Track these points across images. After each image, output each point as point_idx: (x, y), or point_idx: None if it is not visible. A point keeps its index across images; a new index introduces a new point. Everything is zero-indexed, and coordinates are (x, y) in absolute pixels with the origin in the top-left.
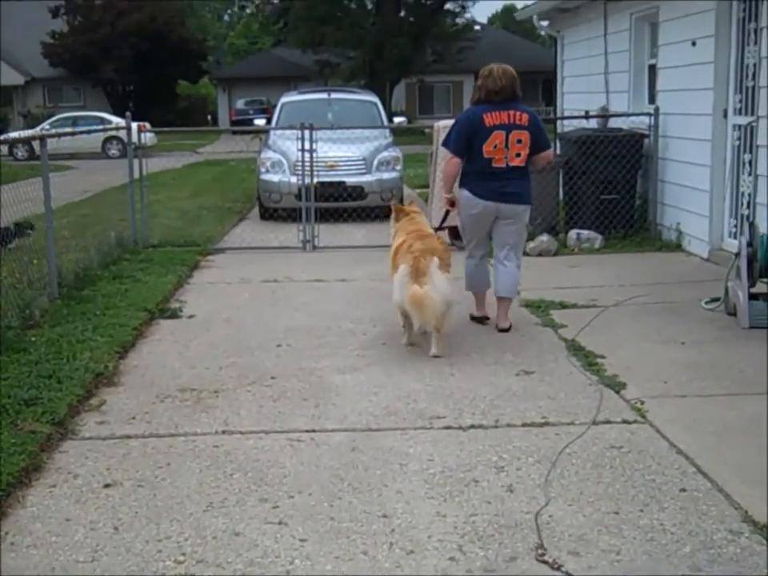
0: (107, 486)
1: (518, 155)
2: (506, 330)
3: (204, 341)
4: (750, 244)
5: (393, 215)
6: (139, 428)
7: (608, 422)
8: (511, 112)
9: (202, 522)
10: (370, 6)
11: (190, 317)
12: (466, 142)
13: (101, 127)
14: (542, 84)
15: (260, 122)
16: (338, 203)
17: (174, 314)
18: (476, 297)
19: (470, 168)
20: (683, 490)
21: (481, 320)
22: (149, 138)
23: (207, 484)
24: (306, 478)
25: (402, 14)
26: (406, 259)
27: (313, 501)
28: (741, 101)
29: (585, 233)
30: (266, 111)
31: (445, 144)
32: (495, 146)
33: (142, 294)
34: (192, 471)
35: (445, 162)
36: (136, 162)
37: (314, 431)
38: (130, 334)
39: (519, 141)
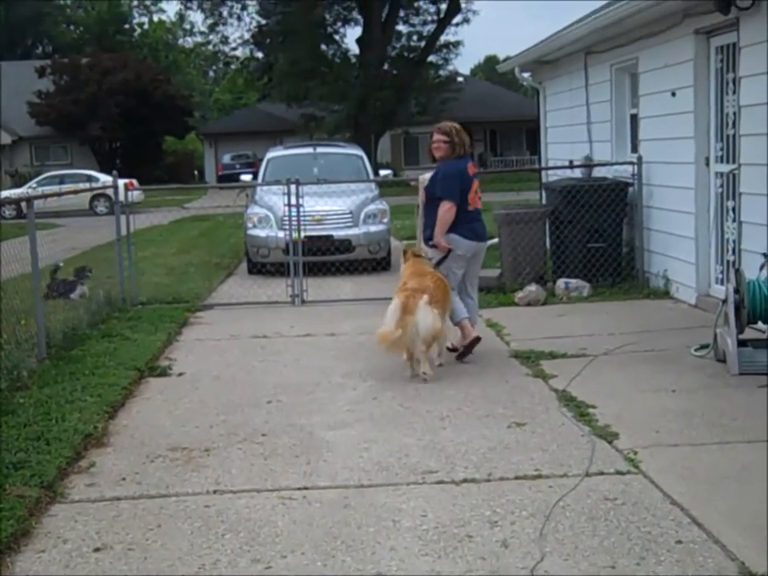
0: (97, 549)
1: (480, 198)
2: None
3: (194, 399)
4: (737, 290)
5: (402, 257)
6: (129, 489)
7: (601, 473)
8: (470, 163)
9: None
10: (353, 60)
11: (180, 374)
12: (459, 190)
13: (87, 187)
14: (526, 133)
15: (246, 177)
16: (325, 257)
17: (164, 372)
18: (465, 325)
19: (456, 214)
20: (679, 541)
21: (474, 343)
22: (136, 195)
23: (199, 545)
24: (298, 537)
25: (386, 67)
26: (398, 295)
27: (306, 560)
28: (722, 149)
29: (573, 281)
30: (253, 165)
31: (445, 194)
32: (474, 193)
33: (131, 352)
34: (183, 533)
35: (445, 211)
36: (123, 219)
37: (305, 489)
38: (120, 393)
39: (479, 187)
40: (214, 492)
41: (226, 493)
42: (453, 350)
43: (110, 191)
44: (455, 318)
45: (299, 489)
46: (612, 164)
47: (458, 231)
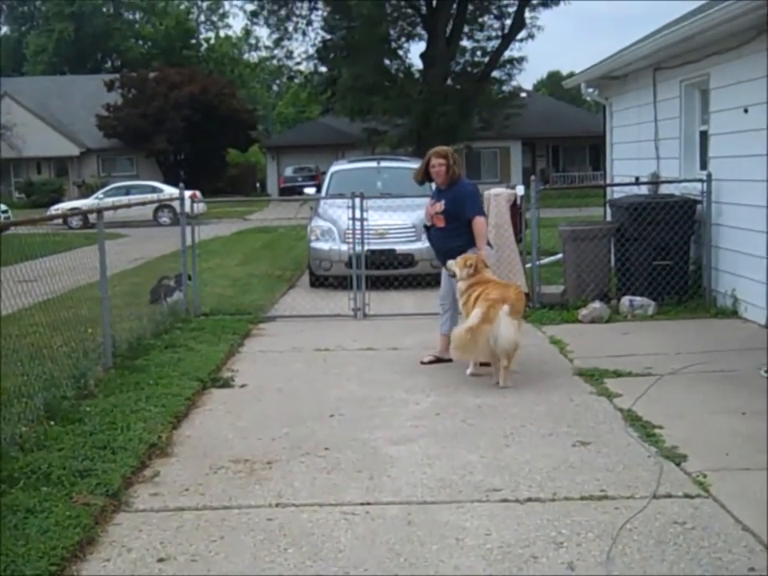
0: (161, 560)
1: None
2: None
3: (256, 410)
4: None
5: (465, 269)
6: (192, 500)
7: (669, 495)
8: None
9: None
10: (417, 75)
11: (242, 386)
12: None
13: (154, 198)
14: (589, 149)
15: (309, 190)
16: (388, 271)
17: (226, 384)
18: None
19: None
20: (752, 569)
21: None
22: (200, 206)
23: (261, 559)
24: (361, 554)
25: (449, 82)
26: (481, 305)
27: None
28: None
29: (637, 299)
30: (315, 178)
31: (482, 212)
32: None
33: (195, 363)
34: (246, 545)
35: (482, 224)
36: (188, 230)
37: (368, 504)
38: (183, 403)
39: None
40: (277, 505)
41: (289, 506)
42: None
43: (175, 203)
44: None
45: (362, 504)
46: (680, 181)
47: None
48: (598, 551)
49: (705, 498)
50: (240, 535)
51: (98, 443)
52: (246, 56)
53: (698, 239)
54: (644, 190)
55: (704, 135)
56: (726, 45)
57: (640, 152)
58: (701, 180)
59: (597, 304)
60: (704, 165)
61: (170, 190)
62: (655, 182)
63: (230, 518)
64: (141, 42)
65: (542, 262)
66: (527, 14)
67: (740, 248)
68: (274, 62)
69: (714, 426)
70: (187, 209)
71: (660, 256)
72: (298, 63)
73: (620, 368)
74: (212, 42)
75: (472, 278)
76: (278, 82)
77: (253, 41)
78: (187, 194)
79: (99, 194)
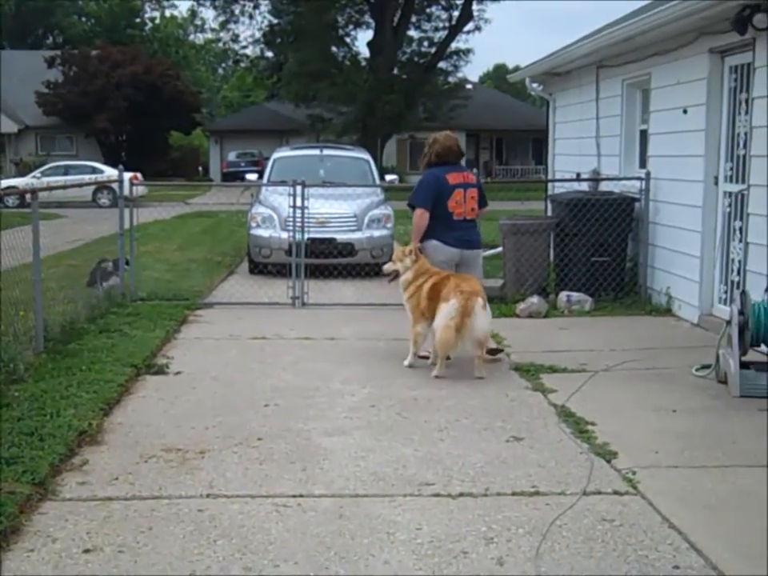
0: (87, 551)
1: (473, 209)
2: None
3: (190, 399)
4: (741, 312)
5: (407, 256)
6: (122, 489)
7: (599, 492)
8: (464, 173)
9: None
10: (363, 63)
11: (177, 373)
12: (434, 198)
13: (92, 181)
14: (532, 143)
15: (252, 176)
16: (328, 260)
17: (161, 371)
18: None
19: (436, 221)
20: (676, 567)
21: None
22: (140, 189)
23: (190, 551)
24: (292, 546)
25: (395, 71)
26: (456, 297)
27: (299, 570)
28: (732, 168)
29: (575, 295)
30: (258, 164)
31: (415, 201)
32: (457, 202)
33: (129, 348)
34: (175, 537)
35: (416, 217)
36: (127, 213)
37: (301, 496)
38: (116, 390)
39: (473, 197)
40: (208, 496)
41: (220, 497)
42: (424, 357)
43: (114, 184)
44: None
45: (294, 496)
46: (620, 179)
47: (436, 237)
48: (527, 547)
49: (633, 496)
50: (169, 526)
51: (26, 429)
52: (191, 37)
53: (635, 237)
54: (584, 186)
55: (644, 134)
56: (666, 46)
57: (581, 148)
58: (639, 178)
59: (535, 299)
60: (643, 163)
61: (110, 171)
62: (595, 178)
63: (159, 508)
64: (84, 19)
65: (482, 255)
66: (475, 7)
67: (675, 247)
68: (220, 44)
69: (645, 424)
70: (127, 191)
71: (598, 252)
72: (244, 47)
73: (556, 364)
74: (157, 21)
75: (416, 264)
76: (223, 65)
77: (199, 22)
78: (127, 175)
79: (37, 173)
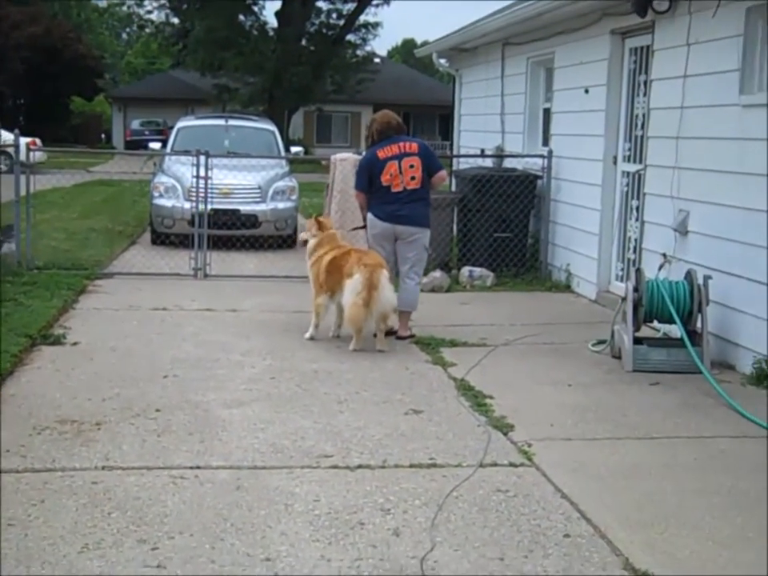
0: None
1: (413, 178)
2: (404, 338)
3: (87, 370)
4: (636, 289)
5: (314, 226)
6: (13, 462)
7: (495, 464)
8: (401, 143)
9: (76, 565)
10: (271, 33)
11: (74, 344)
12: (367, 177)
13: None
14: (439, 119)
15: (155, 145)
16: (231, 231)
17: (57, 341)
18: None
19: (373, 195)
20: (567, 535)
21: (390, 333)
22: (38, 155)
23: (83, 524)
24: (187, 518)
25: (303, 42)
26: (360, 271)
27: (194, 542)
28: (630, 149)
29: (477, 270)
30: (162, 133)
31: (355, 184)
32: (391, 175)
33: (24, 318)
34: (68, 509)
35: (355, 197)
36: (23, 179)
37: (198, 468)
38: (9, 361)
39: (411, 166)
40: (103, 468)
41: (116, 469)
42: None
43: (10, 149)
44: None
45: (191, 468)
46: (523, 156)
47: (372, 211)
48: (423, 518)
49: (528, 467)
50: (62, 499)
51: None
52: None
53: (537, 213)
54: (488, 162)
55: (547, 112)
56: (571, 25)
57: (486, 125)
58: (542, 156)
59: (437, 273)
60: (546, 141)
61: (7, 136)
62: (499, 155)
63: (52, 480)
64: None
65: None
66: None
67: (575, 224)
68: (124, 8)
69: (542, 397)
70: (23, 157)
71: (500, 228)
72: (149, 12)
73: (456, 338)
74: None
75: (321, 234)
76: (127, 29)
77: None
78: (24, 140)
79: None
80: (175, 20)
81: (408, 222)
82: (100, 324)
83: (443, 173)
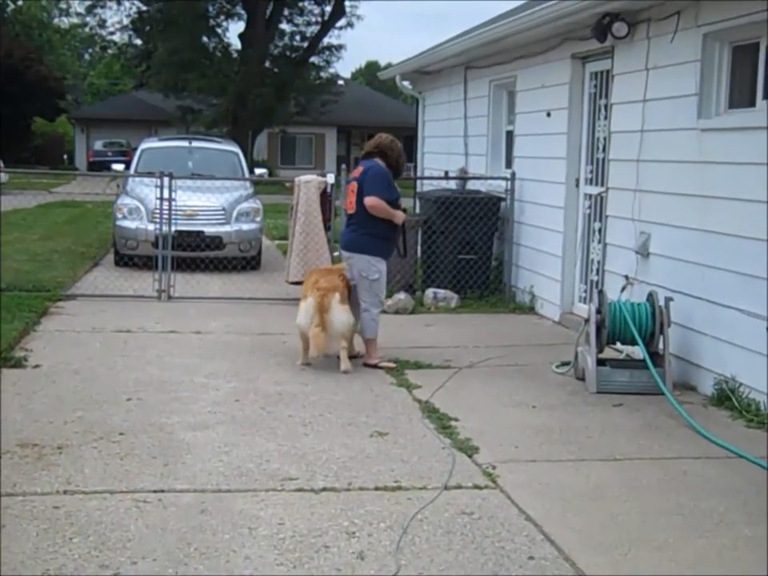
0: None
1: (351, 203)
2: (370, 366)
3: (49, 393)
4: (598, 311)
5: None
6: None
7: (460, 487)
8: (358, 167)
9: None
10: (234, 55)
11: (36, 366)
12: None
13: None
14: (404, 141)
15: (118, 166)
16: (195, 253)
17: (19, 364)
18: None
19: None
20: (531, 557)
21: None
22: (0, 176)
23: (44, 549)
24: (150, 543)
25: (267, 64)
26: (312, 294)
27: (157, 567)
28: (592, 171)
29: (441, 292)
30: (126, 154)
31: None
32: (346, 197)
33: None
34: (28, 535)
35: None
36: None
37: (161, 491)
38: None
39: (352, 191)
40: (65, 492)
41: (77, 493)
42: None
43: None
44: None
45: (155, 491)
46: (486, 178)
47: None
48: (388, 541)
49: (493, 489)
50: (22, 524)
51: None
52: (56, 21)
53: (500, 236)
54: (452, 184)
55: (510, 135)
56: (532, 49)
57: (450, 147)
58: (505, 178)
59: (402, 295)
60: (509, 163)
61: None
62: (463, 177)
63: (12, 505)
64: None
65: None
66: (347, 3)
67: (539, 246)
68: (86, 29)
69: (506, 419)
70: None
71: (464, 250)
72: (112, 33)
73: (421, 360)
74: (19, 3)
75: None
76: (90, 50)
77: (64, 5)
78: None
79: None
80: (138, 41)
81: (343, 246)
82: (62, 346)
83: (368, 199)
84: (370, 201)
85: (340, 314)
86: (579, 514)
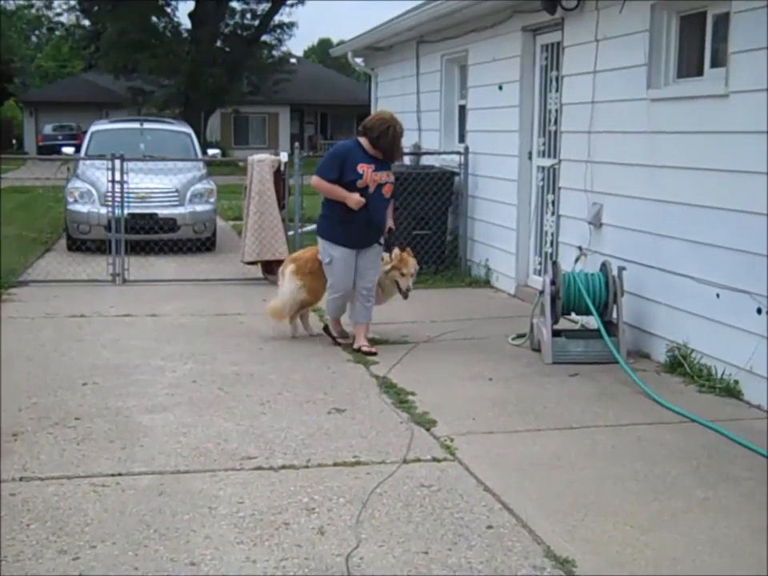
0: None
1: None
2: (357, 351)
3: (3, 380)
4: (553, 282)
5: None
6: None
7: (418, 460)
8: None
9: None
10: (185, 35)
11: None
12: None
13: None
14: (357, 118)
15: (69, 149)
16: (149, 235)
17: None
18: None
19: None
20: (490, 526)
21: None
22: None
23: (2, 536)
24: (109, 526)
25: (218, 44)
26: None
27: (116, 550)
28: (544, 144)
29: None
30: (76, 138)
31: None
32: None
33: None
34: None
35: None
36: None
37: (119, 475)
38: None
39: None
40: (21, 479)
41: (34, 480)
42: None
43: None
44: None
45: (113, 475)
46: (440, 153)
47: None
48: (348, 516)
49: (451, 462)
50: None
51: None
52: (2, 2)
53: (455, 210)
54: (406, 160)
55: (463, 109)
56: (483, 23)
57: (403, 123)
58: (458, 153)
59: None
60: (462, 138)
61: None
62: (416, 152)
63: None
64: None
65: (304, 229)
66: None
67: (493, 220)
68: (33, 10)
69: (463, 392)
70: None
71: (419, 226)
72: (59, 14)
73: (378, 336)
74: None
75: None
76: (37, 32)
77: None
78: None
79: None
80: (86, 22)
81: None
82: (15, 333)
83: (312, 179)
84: (312, 180)
85: (287, 283)
86: (536, 483)
